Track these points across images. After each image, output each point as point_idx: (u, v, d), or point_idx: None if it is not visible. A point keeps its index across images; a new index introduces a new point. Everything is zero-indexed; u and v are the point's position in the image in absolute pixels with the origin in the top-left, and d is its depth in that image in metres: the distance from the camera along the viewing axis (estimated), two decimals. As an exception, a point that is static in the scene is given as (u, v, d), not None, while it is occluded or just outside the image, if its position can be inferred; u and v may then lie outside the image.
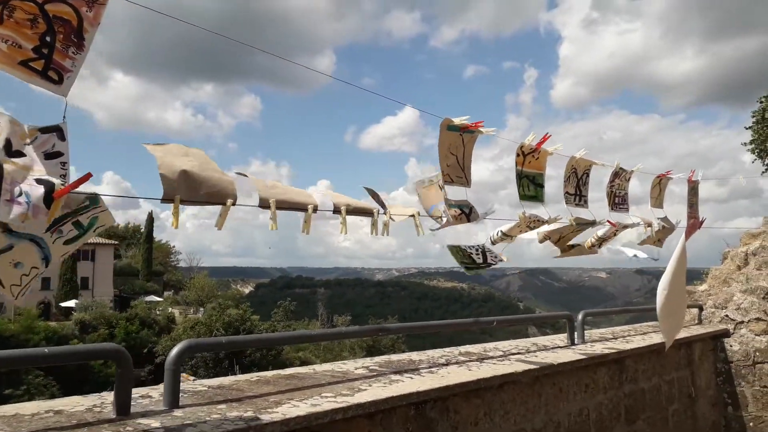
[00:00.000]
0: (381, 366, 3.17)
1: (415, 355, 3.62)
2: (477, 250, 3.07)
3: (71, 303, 48.17)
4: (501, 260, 3.12)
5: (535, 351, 4.01)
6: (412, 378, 2.89)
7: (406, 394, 2.56)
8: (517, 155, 3.09)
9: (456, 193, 2.78)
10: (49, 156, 1.42)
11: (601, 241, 3.88)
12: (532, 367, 3.39)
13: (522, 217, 3.00)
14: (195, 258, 75.39)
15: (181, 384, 2.53)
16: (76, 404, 2.07)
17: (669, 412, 4.91)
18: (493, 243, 3.16)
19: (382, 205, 2.48)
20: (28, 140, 1.39)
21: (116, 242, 61.70)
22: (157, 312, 49.03)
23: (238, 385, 2.57)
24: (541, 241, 3.64)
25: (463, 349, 3.95)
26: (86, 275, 54.06)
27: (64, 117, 1.46)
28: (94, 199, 1.64)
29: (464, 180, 2.82)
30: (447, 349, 3.88)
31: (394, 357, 3.48)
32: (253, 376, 2.77)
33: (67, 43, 1.46)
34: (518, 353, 3.87)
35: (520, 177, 3.13)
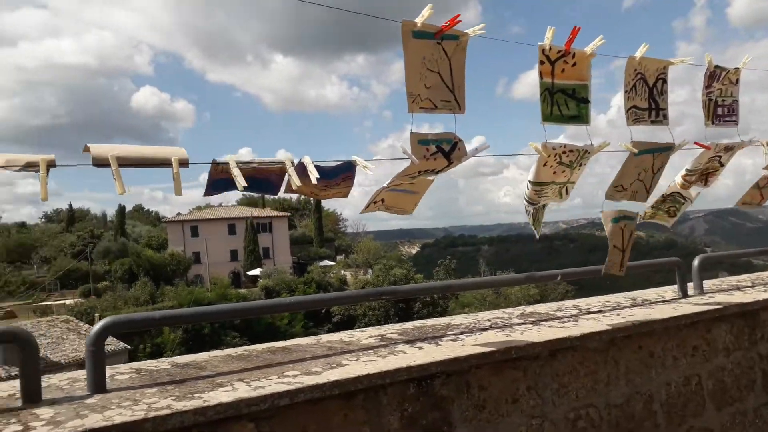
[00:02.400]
0: (400, 334, 2.71)
1: (460, 318, 3.09)
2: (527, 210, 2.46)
3: (256, 271, 53.25)
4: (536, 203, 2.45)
5: (626, 307, 3.25)
6: (421, 348, 2.41)
7: (391, 371, 2.10)
8: (541, 62, 2.35)
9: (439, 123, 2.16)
10: None
11: (705, 175, 2.95)
12: (600, 329, 2.70)
13: (543, 148, 2.28)
14: (360, 223, 78.84)
15: (155, 362, 2.34)
16: (5, 390, 1.94)
17: (840, 377, 3.79)
18: (532, 203, 2.48)
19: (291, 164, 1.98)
20: None
21: (289, 214, 66.61)
22: (331, 275, 52.35)
23: (210, 361, 2.30)
24: (616, 199, 2.80)
25: (530, 308, 3.33)
26: (267, 246, 59.19)
27: None
28: None
29: (454, 104, 2.18)
30: (508, 310, 3.29)
31: (430, 322, 3.00)
32: (240, 350, 2.49)
33: None
34: (599, 311, 3.15)
35: (552, 92, 2.40)
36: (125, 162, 1.63)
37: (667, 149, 2.69)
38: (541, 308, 3.32)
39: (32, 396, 1.80)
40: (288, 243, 61.78)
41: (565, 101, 2.43)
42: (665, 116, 2.72)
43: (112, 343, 26.37)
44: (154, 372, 2.15)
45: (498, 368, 2.42)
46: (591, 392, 2.68)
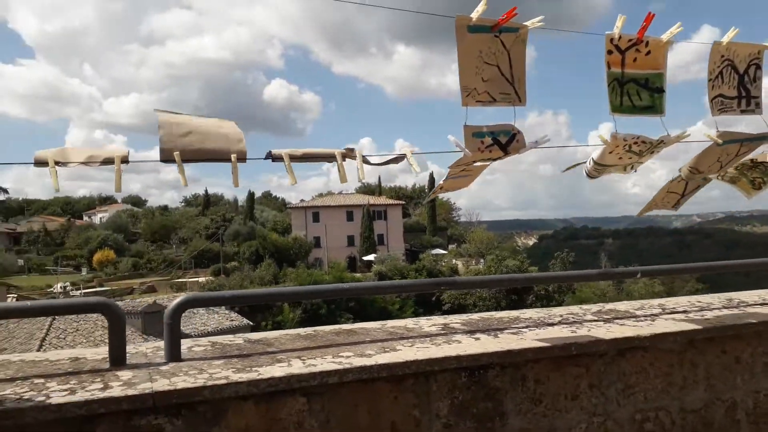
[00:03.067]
0: (463, 324, 2.75)
1: (531, 312, 3.06)
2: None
3: (371, 257, 54.64)
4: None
5: (715, 308, 3.04)
6: (478, 339, 2.44)
7: (440, 358, 2.16)
8: (609, 52, 2.25)
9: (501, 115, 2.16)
10: None
11: None
12: (675, 329, 2.57)
13: (613, 140, 2.20)
14: (474, 213, 78.25)
15: (231, 337, 2.58)
16: (100, 354, 2.25)
17: None
18: (591, 177, 2.41)
19: (350, 151, 2.06)
20: None
21: (404, 202, 67.54)
22: (442, 263, 52.45)
23: (279, 339, 2.50)
24: (690, 180, 2.65)
25: (609, 306, 3.21)
26: (381, 232, 60.49)
27: None
28: None
29: (514, 96, 2.17)
30: (585, 306, 3.19)
31: (498, 314, 3.00)
32: (309, 330, 2.67)
33: None
34: (683, 312, 2.98)
35: (622, 82, 2.30)
36: (189, 157, 1.83)
37: (760, 139, 2.48)
38: (622, 306, 3.19)
39: (117, 360, 2.08)
40: (401, 230, 62.75)
41: (637, 91, 2.33)
42: (758, 105, 2.51)
43: (236, 320, 28.38)
44: (226, 346, 2.37)
45: (557, 364, 2.40)
46: (662, 394, 2.57)
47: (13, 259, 57.97)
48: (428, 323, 2.79)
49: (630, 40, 2.27)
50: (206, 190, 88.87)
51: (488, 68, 2.14)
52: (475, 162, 2.23)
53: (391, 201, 65.33)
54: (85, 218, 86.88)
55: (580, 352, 2.40)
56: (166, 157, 1.83)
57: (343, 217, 62.11)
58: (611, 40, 2.26)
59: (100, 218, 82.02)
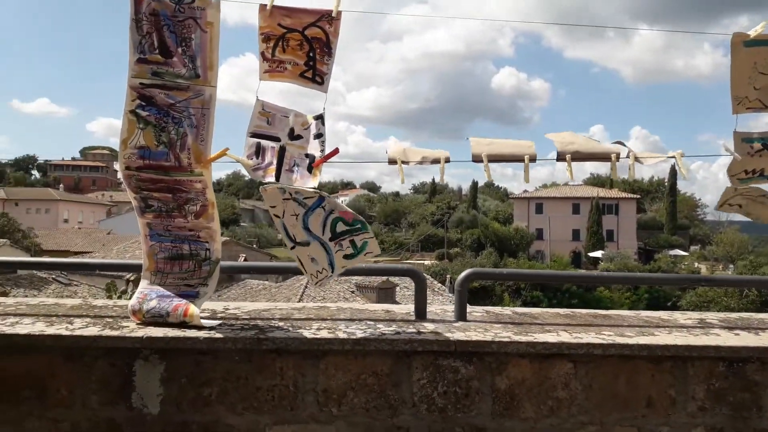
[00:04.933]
0: (721, 321, 2.85)
1: (798, 317, 3.00)
2: None
3: (598, 253, 51.92)
4: None
5: None
6: (737, 334, 2.56)
7: (698, 346, 2.37)
8: None
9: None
10: (316, 137, 2.22)
11: None
12: None
13: None
14: (725, 211, 68.95)
15: (499, 308, 3.06)
16: (403, 309, 2.89)
17: None
18: None
19: (619, 143, 2.31)
20: (306, 126, 2.22)
21: (638, 196, 62.61)
22: (682, 267, 47.62)
23: (541, 315, 2.90)
24: None
25: None
26: (611, 228, 56.98)
27: (324, 108, 2.24)
28: (364, 224, 2.21)
29: (785, 102, 2.25)
30: None
31: (757, 315, 3.01)
32: (566, 310, 3.02)
33: (322, 54, 2.22)
34: None
35: None
36: (493, 159, 2.34)
37: None
38: None
39: (421, 314, 2.69)
40: (634, 227, 58.32)
41: None
42: None
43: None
44: (499, 314, 2.86)
45: (826, 368, 2.41)
46: None
47: (273, 234, 67.68)
48: (683, 316, 2.95)
49: None
50: (433, 179, 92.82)
51: (762, 78, 2.27)
52: (746, 171, 2.36)
53: (624, 194, 61.03)
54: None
55: None
56: (476, 159, 2.39)
57: (569, 209, 59.85)
58: None
59: (341, 201, 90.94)
